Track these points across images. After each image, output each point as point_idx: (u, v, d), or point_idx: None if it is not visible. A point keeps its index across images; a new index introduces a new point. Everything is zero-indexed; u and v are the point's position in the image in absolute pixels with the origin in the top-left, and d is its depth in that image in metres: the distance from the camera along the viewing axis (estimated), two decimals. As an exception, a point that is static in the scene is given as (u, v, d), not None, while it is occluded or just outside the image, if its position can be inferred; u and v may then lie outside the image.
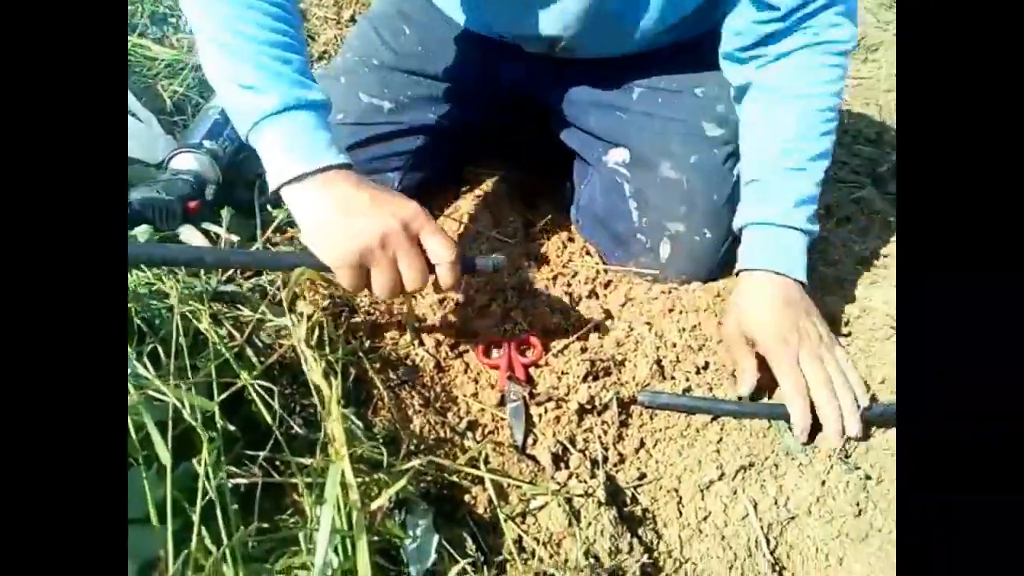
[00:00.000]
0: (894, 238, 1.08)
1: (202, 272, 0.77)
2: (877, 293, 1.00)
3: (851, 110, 1.65)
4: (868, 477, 0.80)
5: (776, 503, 0.79)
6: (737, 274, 0.95)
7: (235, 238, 0.85)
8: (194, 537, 0.51)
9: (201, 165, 0.95)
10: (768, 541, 0.77)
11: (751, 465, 0.81)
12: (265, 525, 0.60)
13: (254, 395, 0.65)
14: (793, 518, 0.78)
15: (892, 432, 0.82)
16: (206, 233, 0.86)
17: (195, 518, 0.52)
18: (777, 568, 0.75)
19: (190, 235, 0.85)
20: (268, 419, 0.64)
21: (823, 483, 0.79)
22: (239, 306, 0.76)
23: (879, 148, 1.44)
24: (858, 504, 0.78)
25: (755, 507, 0.78)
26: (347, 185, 0.73)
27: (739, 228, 0.97)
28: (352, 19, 1.77)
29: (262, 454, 0.61)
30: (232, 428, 0.64)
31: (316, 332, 0.76)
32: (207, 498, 0.54)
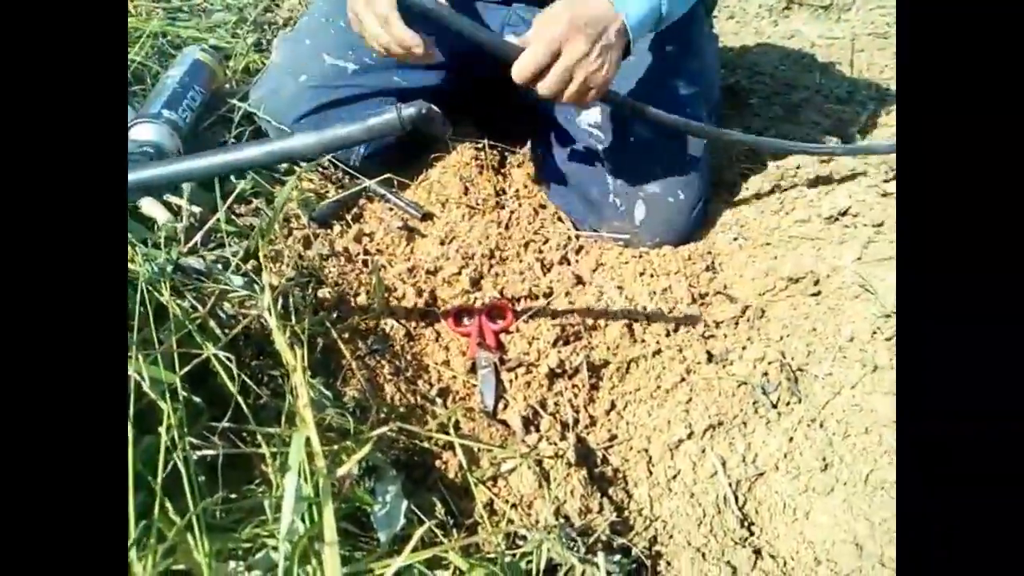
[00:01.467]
0: (863, 197, 1.09)
1: (162, 243, 0.76)
2: (847, 252, 1.01)
3: (822, 70, 1.64)
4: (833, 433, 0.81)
5: (744, 460, 0.80)
6: None
7: (197, 209, 0.84)
8: (156, 506, 0.50)
9: (161, 135, 0.93)
10: (737, 497, 0.78)
11: (719, 424, 0.82)
12: (233, 495, 0.60)
13: (218, 366, 0.64)
14: (761, 474, 0.80)
15: (857, 387, 0.83)
16: (167, 205, 0.84)
17: (157, 487, 0.51)
18: (746, 524, 0.77)
19: (151, 207, 0.83)
20: (232, 390, 0.63)
21: (790, 439, 0.81)
22: (201, 278, 0.75)
23: (849, 107, 1.44)
24: (824, 459, 0.79)
25: (723, 464, 0.80)
26: None
27: None
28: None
29: (222, 424, 0.61)
30: (197, 400, 0.64)
31: (281, 302, 0.76)
32: (169, 468, 0.53)
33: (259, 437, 0.62)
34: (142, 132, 0.92)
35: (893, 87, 1.59)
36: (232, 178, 0.89)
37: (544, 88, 0.87)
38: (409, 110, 0.59)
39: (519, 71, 0.87)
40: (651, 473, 0.80)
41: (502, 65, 0.88)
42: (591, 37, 0.86)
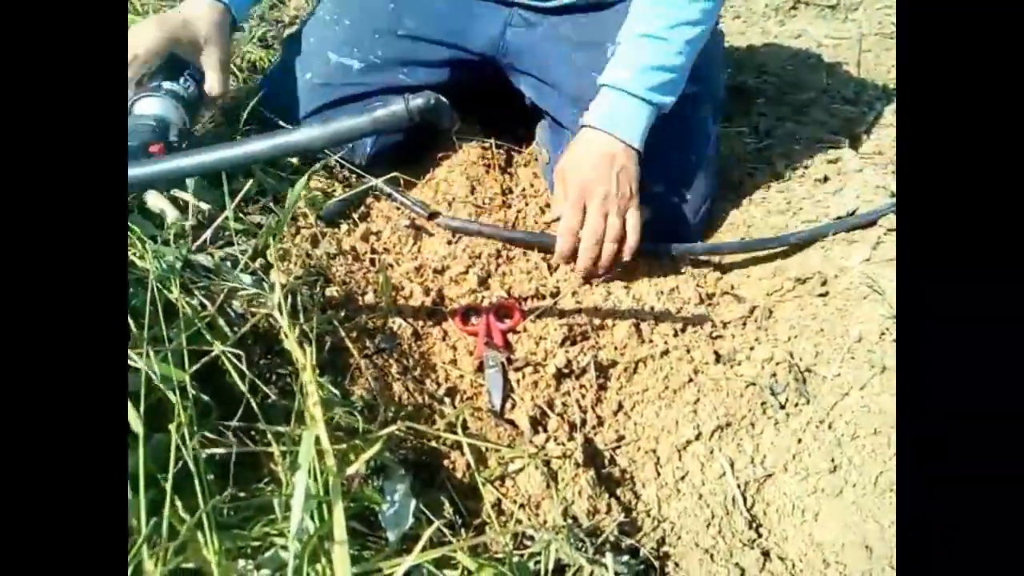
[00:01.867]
0: (871, 197, 1.08)
1: (171, 241, 0.76)
2: (855, 253, 1.01)
3: (829, 69, 1.64)
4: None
5: (752, 461, 0.80)
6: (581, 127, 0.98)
7: (205, 206, 0.83)
8: (167, 504, 0.50)
9: (165, 109, 0.90)
10: (745, 499, 0.78)
11: (728, 425, 0.82)
12: (242, 494, 0.60)
13: (227, 364, 0.64)
14: (769, 476, 0.79)
15: (866, 388, 0.83)
16: (174, 200, 0.84)
17: (167, 485, 0.51)
18: (754, 525, 0.77)
19: (155, 199, 0.83)
20: (242, 387, 0.63)
21: (799, 440, 0.81)
22: (211, 276, 0.75)
23: (856, 107, 1.44)
24: (833, 460, 0.79)
25: (732, 466, 0.79)
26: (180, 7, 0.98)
27: (598, 87, 0.99)
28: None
29: (234, 423, 0.60)
30: (206, 398, 0.64)
31: (290, 301, 0.76)
32: (179, 465, 0.53)
33: (268, 435, 0.62)
34: (145, 107, 0.90)
35: (900, 87, 1.59)
36: (240, 177, 0.88)
37: (585, 249, 0.94)
38: (417, 100, 0.57)
39: (560, 256, 0.97)
40: (659, 474, 0.80)
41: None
42: (604, 176, 0.93)
